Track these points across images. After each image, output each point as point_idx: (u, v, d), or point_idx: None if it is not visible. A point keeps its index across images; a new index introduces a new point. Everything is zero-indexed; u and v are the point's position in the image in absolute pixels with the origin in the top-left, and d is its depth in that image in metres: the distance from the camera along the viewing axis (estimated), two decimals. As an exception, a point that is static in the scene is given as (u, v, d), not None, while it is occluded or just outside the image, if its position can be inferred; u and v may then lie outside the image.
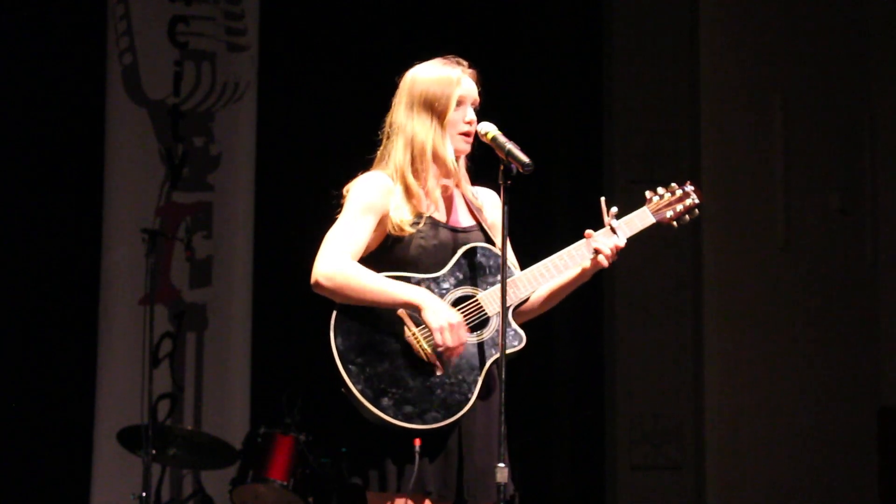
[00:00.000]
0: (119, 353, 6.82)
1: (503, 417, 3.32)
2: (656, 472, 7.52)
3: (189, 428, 6.53)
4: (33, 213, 6.92)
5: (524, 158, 3.41)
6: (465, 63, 3.63)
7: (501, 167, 3.43)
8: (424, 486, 3.43)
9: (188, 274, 7.04)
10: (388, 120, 3.61)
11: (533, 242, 3.76)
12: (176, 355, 6.99)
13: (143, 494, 5.86)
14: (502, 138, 3.49)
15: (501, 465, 3.31)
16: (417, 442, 3.38)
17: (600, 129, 7.75)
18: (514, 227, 3.41)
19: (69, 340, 6.91)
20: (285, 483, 5.84)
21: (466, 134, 3.56)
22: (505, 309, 3.38)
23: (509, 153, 3.43)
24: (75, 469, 6.79)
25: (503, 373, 3.36)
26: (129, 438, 6.01)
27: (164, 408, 6.91)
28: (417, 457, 3.38)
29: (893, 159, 7.67)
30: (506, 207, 3.40)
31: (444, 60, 3.62)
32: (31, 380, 6.78)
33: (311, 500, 5.89)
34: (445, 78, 3.56)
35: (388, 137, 3.59)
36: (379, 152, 3.61)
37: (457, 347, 3.40)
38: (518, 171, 3.41)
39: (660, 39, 7.69)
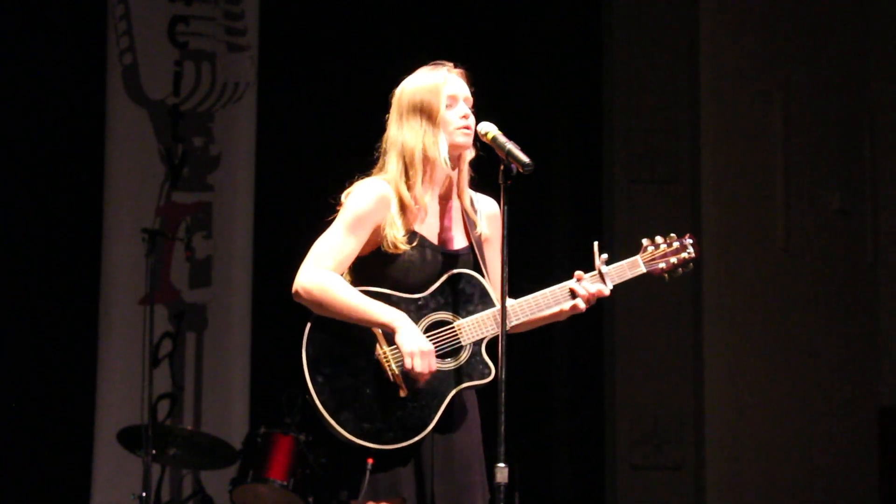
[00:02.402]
0: (119, 353, 6.83)
1: (503, 418, 3.32)
2: (656, 472, 7.51)
3: (189, 428, 6.53)
4: (33, 213, 6.92)
5: (524, 158, 3.41)
6: (449, 64, 3.61)
7: (501, 167, 3.42)
8: (399, 491, 3.43)
9: (188, 274, 7.04)
10: (383, 139, 3.60)
11: (532, 243, 3.75)
12: (176, 355, 6.99)
13: (143, 494, 5.86)
14: (502, 138, 3.48)
15: (501, 465, 3.31)
16: (370, 461, 3.39)
17: (600, 129, 7.75)
18: (513, 227, 3.40)
19: (69, 340, 6.91)
20: (285, 483, 5.84)
21: (465, 128, 3.53)
22: (504, 320, 3.38)
23: (509, 153, 3.43)
24: (75, 469, 6.79)
25: (503, 373, 3.36)
26: (129, 438, 6.01)
27: (164, 408, 6.91)
28: (368, 474, 3.38)
29: (893, 159, 7.67)
30: (506, 208, 3.39)
31: (430, 67, 3.60)
32: (32, 380, 6.78)
33: (311, 500, 5.89)
34: (431, 82, 3.54)
35: (385, 154, 3.58)
36: (374, 171, 3.59)
37: (424, 374, 3.40)
38: (518, 171, 3.41)
39: (660, 39, 7.69)
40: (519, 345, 3.57)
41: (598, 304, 3.67)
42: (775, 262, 7.48)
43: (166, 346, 6.98)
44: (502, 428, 3.32)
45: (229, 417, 6.94)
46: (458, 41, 7.14)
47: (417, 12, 7.30)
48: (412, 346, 3.38)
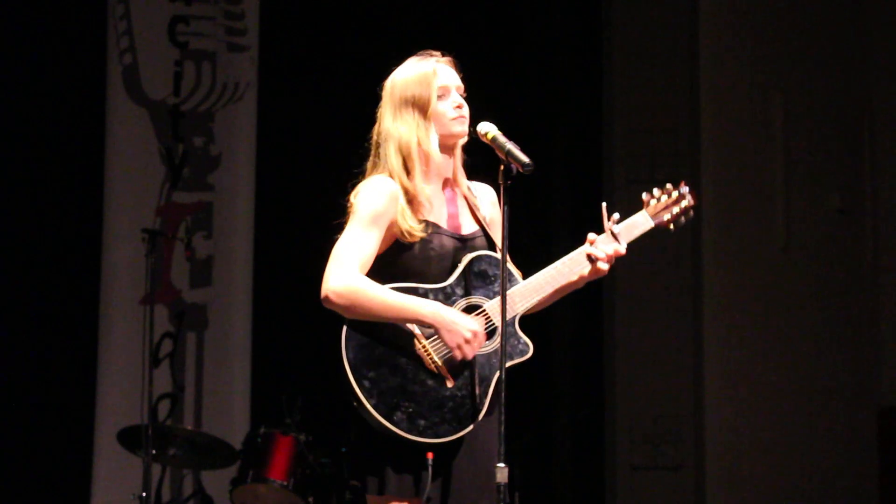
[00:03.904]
0: (119, 353, 6.82)
1: (503, 417, 3.32)
2: (656, 472, 7.51)
3: (189, 428, 6.52)
4: (33, 214, 6.92)
5: (524, 158, 3.41)
6: (437, 53, 3.62)
7: (501, 167, 3.42)
8: (422, 490, 3.42)
9: (188, 274, 7.04)
10: (374, 131, 3.60)
11: (533, 243, 3.75)
12: (176, 355, 6.99)
13: (143, 494, 5.86)
14: (502, 138, 3.48)
15: (501, 465, 3.30)
16: (430, 455, 3.37)
17: (600, 129, 7.75)
18: (514, 227, 3.40)
19: (69, 340, 6.91)
20: (285, 483, 5.84)
21: (460, 117, 3.54)
22: (505, 312, 3.37)
23: (509, 153, 3.43)
24: (75, 469, 6.79)
25: (503, 374, 3.36)
26: (129, 438, 6.01)
27: (164, 408, 6.91)
28: (430, 470, 3.37)
29: (893, 159, 7.67)
30: (506, 208, 3.39)
31: (418, 57, 3.61)
32: (32, 380, 6.78)
33: (311, 500, 5.89)
34: (421, 74, 3.55)
35: (378, 146, 3.57)
36: (368, 164, 3.59)
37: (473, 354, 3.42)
38: (518, 171, 3.41)
39: (660, 39, 7.69)
40: (519, 345, 3.57)
41: (598, 304, 3.68)
42: (775, 261, 7.48)
43: (167, 346, 6.98)
44: (502, 428, 3.32)
45: (229, 417, 6.94)
46: (459, 41, 7.09)
47: (417, 12, 7.30)
48: (456, 339, 3.38)
